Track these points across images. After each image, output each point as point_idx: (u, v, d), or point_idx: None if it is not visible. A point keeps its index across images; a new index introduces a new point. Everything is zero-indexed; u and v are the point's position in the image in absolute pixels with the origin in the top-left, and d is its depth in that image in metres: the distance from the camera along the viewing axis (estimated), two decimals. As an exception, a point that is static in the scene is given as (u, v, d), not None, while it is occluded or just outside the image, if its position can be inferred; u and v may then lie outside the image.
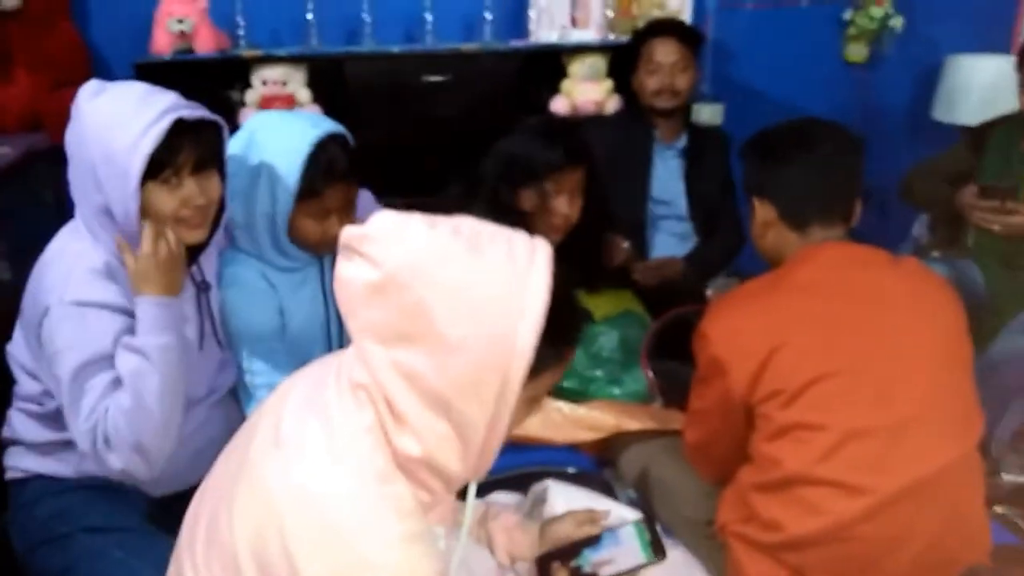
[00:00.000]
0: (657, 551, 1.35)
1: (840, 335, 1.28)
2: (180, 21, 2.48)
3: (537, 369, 0.88)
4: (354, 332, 0.92)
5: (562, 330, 0.92)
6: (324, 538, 0.88)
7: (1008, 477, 2.27)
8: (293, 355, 1.51)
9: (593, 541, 1.35)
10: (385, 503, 0.90)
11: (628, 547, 1.36)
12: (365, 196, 1.73)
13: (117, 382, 1.28)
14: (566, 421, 1.68)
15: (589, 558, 1.34)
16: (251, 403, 1.51)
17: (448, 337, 0.85)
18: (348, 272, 0.91)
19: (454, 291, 0.85)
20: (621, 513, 1.44)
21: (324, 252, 1.57)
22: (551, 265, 0.89)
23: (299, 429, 0.95)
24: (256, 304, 1.54)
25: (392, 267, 0.86)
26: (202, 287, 1.47)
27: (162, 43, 2.52)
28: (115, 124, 1.26)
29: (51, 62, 2.53)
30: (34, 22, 2.51)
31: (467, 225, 0.92)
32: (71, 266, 1.32)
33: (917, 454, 1.25)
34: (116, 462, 1.27)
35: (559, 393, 1.76)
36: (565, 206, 1.79)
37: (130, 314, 1.32)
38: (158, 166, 1.27)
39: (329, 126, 1.53)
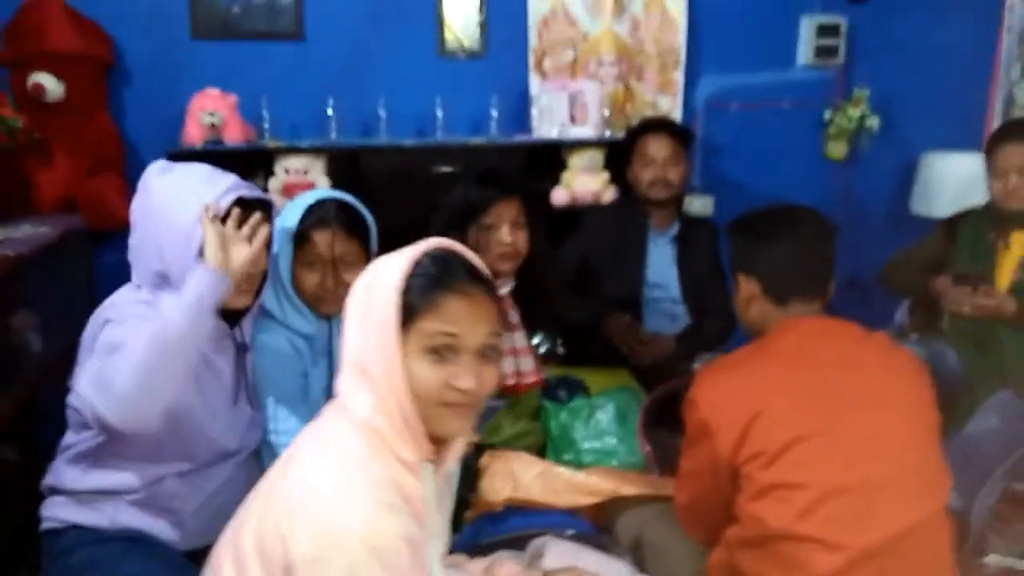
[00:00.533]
0: None
1: (816, 400, 1.40)
2: (211, 114, 2.68)
3: (411, 313, 1.08)
4: None
5: (424, 284, 1.09)
6: (307, 512, 1.04)
7: (994, 558, 2.33)
8: (314, 414, 1.64)
9: None
10: (361, 477, 1.06)
11: None
12: None
13: None
14: (566, 487, 1.77)
15: None
16: (273, 458, 1.62)
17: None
18: None
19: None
20: (611, 567, 1.54)
21: (326, 309, 1.71)
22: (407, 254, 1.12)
23: (298, 443, 1.17)
24: (284, 368, 1.68)
25: None
26: (241, 348, 1.62)
27: (193, 134, 2.71)
28: (181, 198, 1.43)
29: (88, 150, 2.71)
30: (74, 112, 2.70)
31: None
32: (132, 299, 1.47)
33: (891, 512, 1.35)
34: (103, 409, 1.30)
35: (561, 463, 1.87)
36: (507, 235, 1.88)
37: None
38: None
39: (336, 193, 1.75)
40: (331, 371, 1.76)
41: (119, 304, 1.47)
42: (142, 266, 1.49)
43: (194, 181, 1.47)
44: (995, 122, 3.50)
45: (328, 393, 1.76)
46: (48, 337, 2.18)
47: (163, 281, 1.46)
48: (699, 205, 3.14)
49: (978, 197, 2.87)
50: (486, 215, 1.87)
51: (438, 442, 1.15)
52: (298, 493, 1.07)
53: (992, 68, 3.51)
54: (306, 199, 1.72)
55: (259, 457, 1.66)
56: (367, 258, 1.70)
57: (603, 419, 2.00)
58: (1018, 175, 2.25)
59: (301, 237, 1.67)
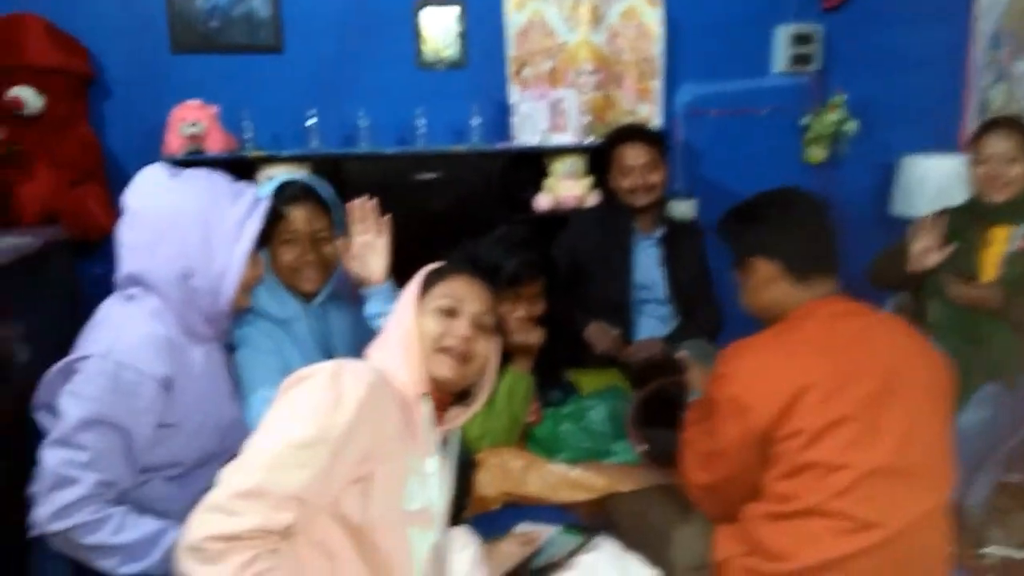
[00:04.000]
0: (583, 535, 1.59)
1: (854, 381, 1.40)
2: (192, 125, 2.67)
3: (430, 285, 1.43)
4: None
5: (431, 277, 1.46)
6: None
7: (994, 550, 2.33)
8: None
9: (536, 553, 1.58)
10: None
11: (561, 542, 1.61)
12: None
13: (95, 463, 1.35)
14: (562, 482, 1.76)
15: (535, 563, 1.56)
16: None
17: None
18: None
19: None
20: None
21: (305, 285, 1.74)
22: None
23: None
24: (261, 362, 1.67)
25: None
26: (229, 348, 1.65)
27: (174, 145, 2.70)
28: (220, 200, 1.48)
29: (69, 162, 2.69)
30: (55, 125, 2.68)
31: None
32: (125, 327, 1.44)
33: (917, 496, 1.37)
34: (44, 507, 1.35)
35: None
36: (522, 312, 1.94)
37: (167, 384, 1.43)
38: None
39: (298, 175, 1.85)
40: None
41: (107, 335, 1.44)
42: (159, 267, 1.46)
43: (224, 186, 1.53)
44: (971, 125, 3.56)
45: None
46: (33, 347, 2.15)
47: (183, 279, 1.46)
48: (683, 208, 3.15)
49: (957, 198, 2.91)
50: (505, 290, 1.89)
51: (441, 407, 1.42)
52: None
53: (964, 73, 3.58)
54: (272, 182, 1.77)
55: None
56: (332, 234, 1.79)
57: (595, 419, 1.98)
58: (1001, 162, 2.28)
59: (275, 216, 1.67)
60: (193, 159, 2.65)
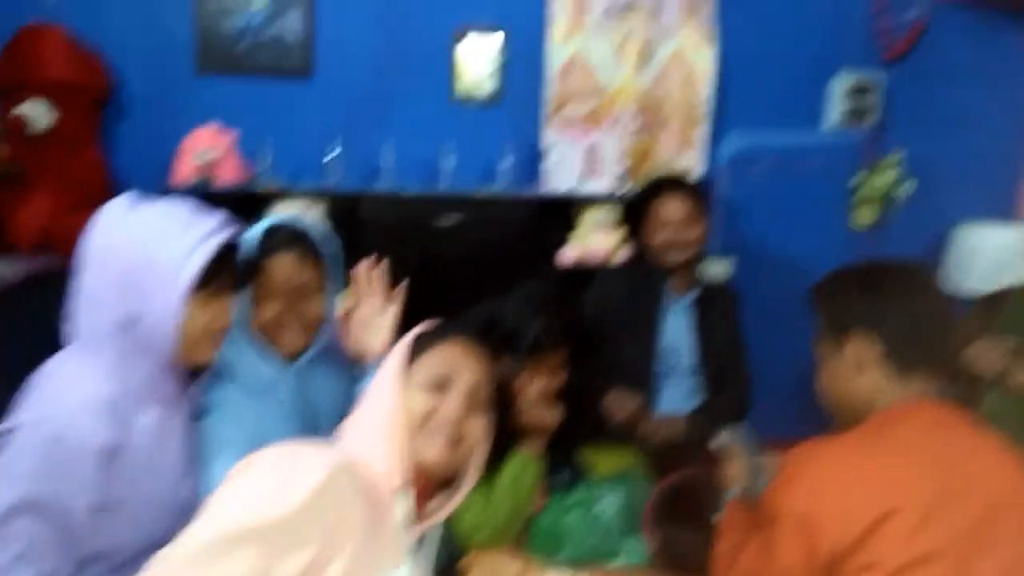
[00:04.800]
0: None
1: (950, 512, 1.17)
2: (204, 153, 2.55)
3: (415, 353, 1.25)
4: None
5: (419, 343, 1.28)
6: None
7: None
8: None
9: None
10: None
11: None
12: None
13: (29, 556, 1.19)
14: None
15: None
16: None
17: None
18: None
19: None
20: None
21: (287, 343, 1.54)
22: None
23: None
24: (236, 429, 1.47)
25: None
26: (194, 415, 1.45)
27: (184, 173, 2.58)
28: (166, 234, 1.28)
29: (73, 185, 2.58)
30: (63, 144, 2.58)
31: None
32: (63, 389, 1.27)
33: None
34: None
35: (563, 563, 1.67)
36: (541, 385, 1.78)
37: (112, 453, 1.26)
38: (203, 282, 1.29)
39: (291, 217, 1.62)
40: (303, 431, 1.57)
41: (45, 400, 1.27)
42: (98, 311, 1.29)
43: (180, 217, 1.31)
44: (1033, 193, 3.33)
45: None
46: (14, 383, 2.02)
47: (128, 328, 1.28)
48: (718, 269, 2.96)
49: (1015, 272, 2.68)
50: (529, 358, 1.76)
51: (423, 496, 1.24)
52: None
53: (1031, 136, 3.35)
54: (259, 226, 1.55)
55: None
56: (324, 287, 1.57)
57: (607, 511, 1.79)
58: None
59: (256, 268, 1.49)
60: (200, 191, 2.53)
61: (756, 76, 3.18)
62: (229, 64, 2.86)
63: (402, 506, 1.17)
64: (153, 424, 1.34)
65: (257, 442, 1.47)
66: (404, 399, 1.20)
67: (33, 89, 2.51)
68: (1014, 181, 3.38)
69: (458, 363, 1.25)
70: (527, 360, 1.74)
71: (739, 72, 3.17)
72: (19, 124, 2.47)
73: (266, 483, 1.04)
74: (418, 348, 1.26)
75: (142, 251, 1.27)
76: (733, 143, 3.22)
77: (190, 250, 1.27)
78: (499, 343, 1.73)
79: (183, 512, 1.36)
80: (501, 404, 1.32)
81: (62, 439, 1.21)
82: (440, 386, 1.23)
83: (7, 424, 1.24)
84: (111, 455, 1.26)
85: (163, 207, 1.32)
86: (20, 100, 2.50)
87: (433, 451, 1.20)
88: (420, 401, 1.21)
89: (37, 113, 2.48)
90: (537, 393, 1.77)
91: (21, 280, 2.22)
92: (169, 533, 1.34)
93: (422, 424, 1.20)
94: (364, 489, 1.12)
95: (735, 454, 1.59)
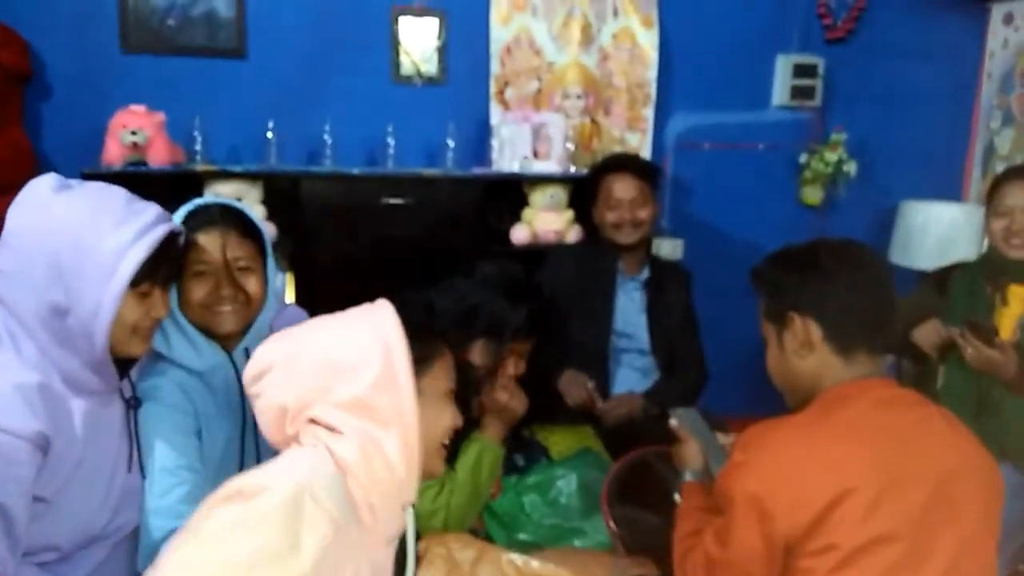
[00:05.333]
0: None
1: (901, 492, 1.15)
2: (134, 133, 2.41)
3: (424, 360, 1.15)
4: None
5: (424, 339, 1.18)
6: None
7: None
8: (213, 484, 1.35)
9: None
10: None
11: None
12: (296, 313, 1.66)
13: None
14: None
15: None
16: (149, 542, 1.31)
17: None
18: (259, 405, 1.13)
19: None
20: None
21: (222, 326, 1.45)
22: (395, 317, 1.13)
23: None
24: (171, 421, 1.38)
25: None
26: (132, 403, 1.35)
27: (113, 154, 2.44)
28: (99, 225, 1.19)
29: (-2, 167, 2.41)
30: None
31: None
32: None
33: None
34: None
35: (515, 544, 1.61)
36: (513, 368, 1.79)
37: (40, 443, 1.17)
38: (139, 276, 1.22)
39: (218, 198, 1.57)
40: (243, 422, 1.49)
41: None
42: (23, 297, 1.20)
43: (117, 205, 1.23)
44: (975, 171, 3.38)
45: (237, 454, 1.51)
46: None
47: (54, 318, 1.18)
48: (668, 249, 2.93)
49: (959, 249, 2.70)
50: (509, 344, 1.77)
51: None
52: None
53: (972, 116, 3.40)
54: (186, 206, 1.47)
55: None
56: (263, 266, 1.50)
57: (564, 491, 1.74)
58: (1022, 215, 2.08)
59: (185, 245, 1.40)
60: (133, 172, 2.39)
61: (700, 57, 3.16)
62: (156, 43, 2.72)
63: (410, 524, 1.17)
64: (85, 414, 1.25)
65: (196, 432, 1.42)
66: (434, 415, 1.15)
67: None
68: (959, 159, 3.44)
69: (453, 371, 1.23)
70: (508, 345, 1.73)
71: (683, 53, 3.15)
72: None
73: (269, 543, 0.92)
74: (425, 358, 1.16)
75: (72, 240, 1.18)
76: (680, 123, 3.21)
77: (127, 244, 1.20)
78: (478, 330, 1.74)
79: (122, 503, 1.31)
80: (470, 390, 1.27)
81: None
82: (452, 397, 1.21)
83: None
84: (43, 444, 1.18)
85: (94, 194, 1.24)
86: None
87: (440, 467, 1.20)
88: (450, 416, 1.19)
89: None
90: (507, 379, 1.74)
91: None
92: (106, 526, 1.29)
93: (444, 438, 1.18)
94: (359, 507, 1.04)
95: (686, 437, 1.56)
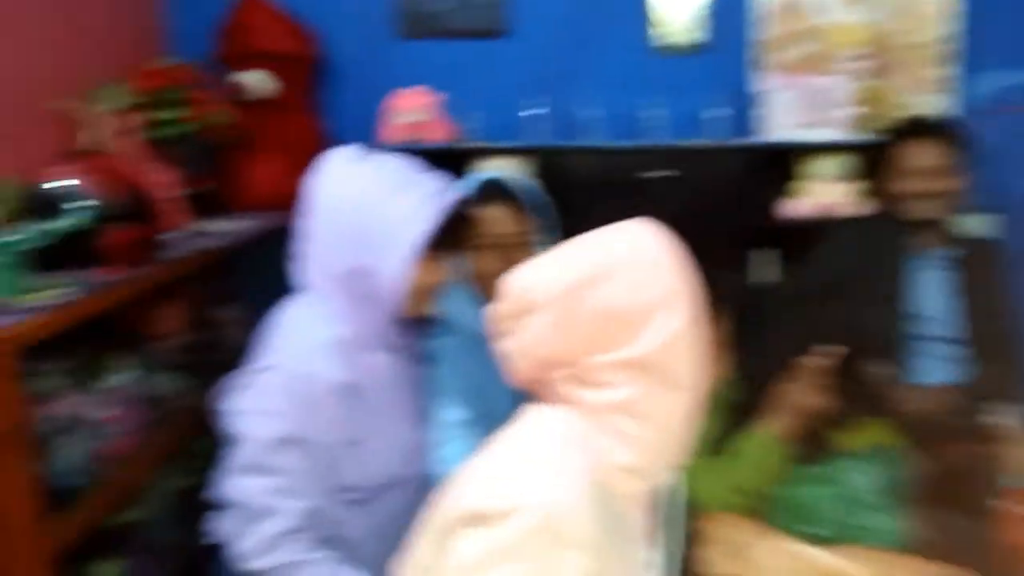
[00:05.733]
0: None
1: None
2: (410, 113, 2.54)
3: None
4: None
5: None
6: None
7: None
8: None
9: None
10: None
11: None
12: None
13: (294, 489, 1.24)
14: (812, 572, 1.36)
15: None
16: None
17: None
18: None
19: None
20: None
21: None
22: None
23: None
24: (459, 379, 1.48)
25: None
26: (422, 361, 1.48)
27: (392, 133, 2.58)
28: (396, 191, 1.29)
29: (296, 147, 2.62)
30: (282, 110, 2.65)
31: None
32: (299, 333, 1.32)
33: None
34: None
35: (805, 538, 1.45)
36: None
37: (351, 390, 1.29)
38: (428, 241, 1.31)
39: (500, 173, 1.65)
40: None
41: (285, 344, 1.33)
42: (330, 261, 1.32)
43: (406, 174, 1.33)
44: None
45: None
46: (242, 338, 2.12)
47: (358, 278, 1.30)
48: (975, 225, 2.55)
49: None
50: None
51: None
52: None
53: None
54: (470, 181, 1.57)
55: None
56: (533, 240, 1.56)
57: (861, 487, 1.54)
58: None
59: (470, 218, 1.47)
60: (408, 147, 2.51)
61: (1018, 7, 2.72)
62: (429, 28, 2.86)
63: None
64: (382, 368, 1.37)
65: (478, 393, 1.49)
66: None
67: (253, 61, 2.59)
68: None
69: None
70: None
71: (996, 6, 2.73)
72: (236, 90, 2.56)
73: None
74: None
75: (375, 207, 1.29)
76: (990, 83, 2.78)
77: (422, 210, 1.29)
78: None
79: (414, 454, 1.42)
80: None
81: (303, 378, 1.26)
82: None
83: (253, 365, 1.31)
84: (351, 392, 1.30)
85: (390, 163, 1.34)
86: (239, 71, 2.59)
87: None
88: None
89: (260, 83, 2.56)
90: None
91: (256, 235, 2.34)
92: (403, 471, 1.39)
93: None
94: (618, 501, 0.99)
95: (1016, 437, 1.31)
